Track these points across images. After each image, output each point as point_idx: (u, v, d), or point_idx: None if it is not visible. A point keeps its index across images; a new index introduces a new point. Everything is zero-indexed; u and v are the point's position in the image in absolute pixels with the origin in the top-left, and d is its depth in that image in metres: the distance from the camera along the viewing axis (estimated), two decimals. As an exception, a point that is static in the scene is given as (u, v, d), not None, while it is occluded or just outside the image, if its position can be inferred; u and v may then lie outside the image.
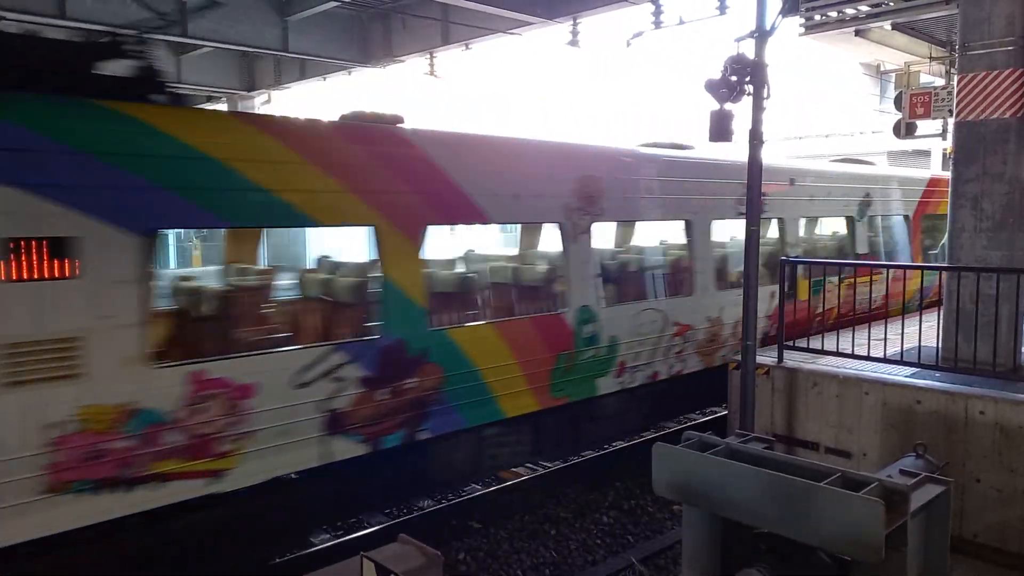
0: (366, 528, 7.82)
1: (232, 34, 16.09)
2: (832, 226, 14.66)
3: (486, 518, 8.33)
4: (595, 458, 9.95)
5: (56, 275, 5.21)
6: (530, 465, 9.67)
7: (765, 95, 7.83)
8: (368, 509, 8.15)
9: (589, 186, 8.80)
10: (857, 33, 15.56)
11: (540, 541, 7.92)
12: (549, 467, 9.62)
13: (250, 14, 16.09)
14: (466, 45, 16.80)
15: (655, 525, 8.40)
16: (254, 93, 21.46)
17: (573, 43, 15.53)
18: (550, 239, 10.08)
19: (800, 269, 10.56)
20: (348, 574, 3.99)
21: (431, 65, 17.96)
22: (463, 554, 7.58)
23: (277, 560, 7.16)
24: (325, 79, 20.17)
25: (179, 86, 19.56)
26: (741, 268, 8.72)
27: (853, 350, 8.03)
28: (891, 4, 12.88)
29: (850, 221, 12.84)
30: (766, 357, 8.28)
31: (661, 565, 7.39)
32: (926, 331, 7.80)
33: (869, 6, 13.05)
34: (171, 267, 19.22)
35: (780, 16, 7.81)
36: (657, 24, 13.23)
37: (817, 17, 13.73)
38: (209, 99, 22.79)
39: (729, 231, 11.67)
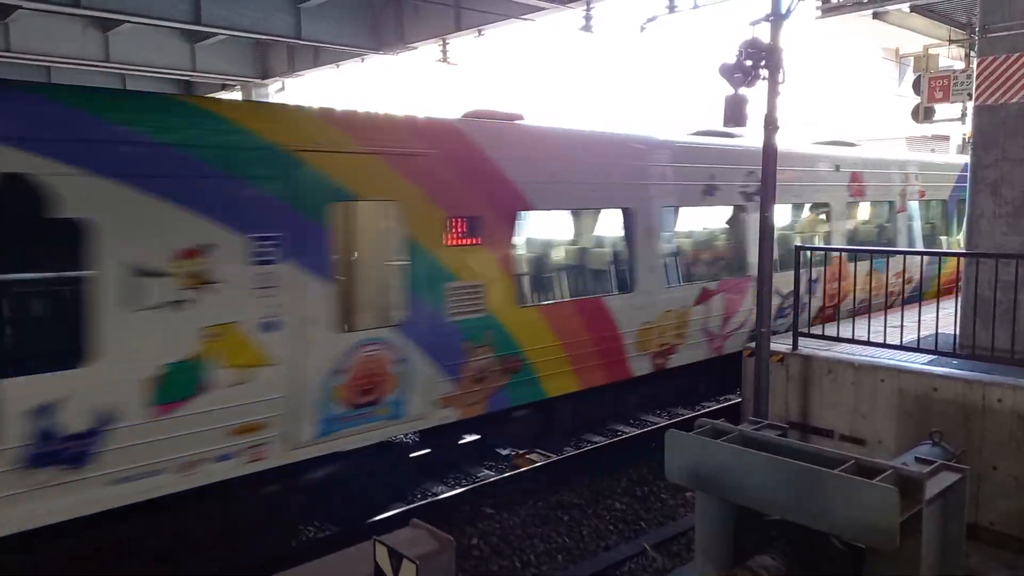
0: (380, 513, 7.88)
1: (245, 21, 16.07)
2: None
3: (499, 504, 8.36)
4: (608, 445, 9.97)
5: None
6: (543, 451, 9.69)
7: (780, 79, 7.75)
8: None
9: None
10: (875, 16, 15.34)
11: (553, 527, 7.95)
12: (562, 454, 9.64)
13: (263, 1, 16.08)
14: (479, 31, 16.69)
15: (668, 512, 8.40)
16: (268, 81, 21.49)
17: (586, 28, 15.39)
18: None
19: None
20: (361, 558, 4.02)
21: (443, 52, 17.88)
22: (476, 539, 7.62)
23: (292, 544, 7.24)
24: (338, 67, 20.15)
25: (193, 74, 19.64)
26: None
27: (869, 337, 7.96)
28: (910, -15, 12.68)
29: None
30: (781, 344, 8.23)
31: (674, 551, 7.40)
32: (943, 318, 7.72)
33: (887, -13, 12.85)
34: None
35: (796, -1, 7.71)
36: (671, 8, 13.10)
37: (834, -1, 13.54)
38: (224, 87, 22.86)
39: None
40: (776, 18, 7.69)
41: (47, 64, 17.62)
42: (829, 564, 4.35)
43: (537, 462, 9.37)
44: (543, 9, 15.05)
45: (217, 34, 17.16)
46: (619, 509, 8.40)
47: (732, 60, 7.69)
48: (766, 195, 7.82)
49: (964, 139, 22.19)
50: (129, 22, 15.57)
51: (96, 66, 17.75)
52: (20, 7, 14.10)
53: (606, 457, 9.67)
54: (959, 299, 7.78)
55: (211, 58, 19.70)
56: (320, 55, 19.72)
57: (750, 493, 4.50)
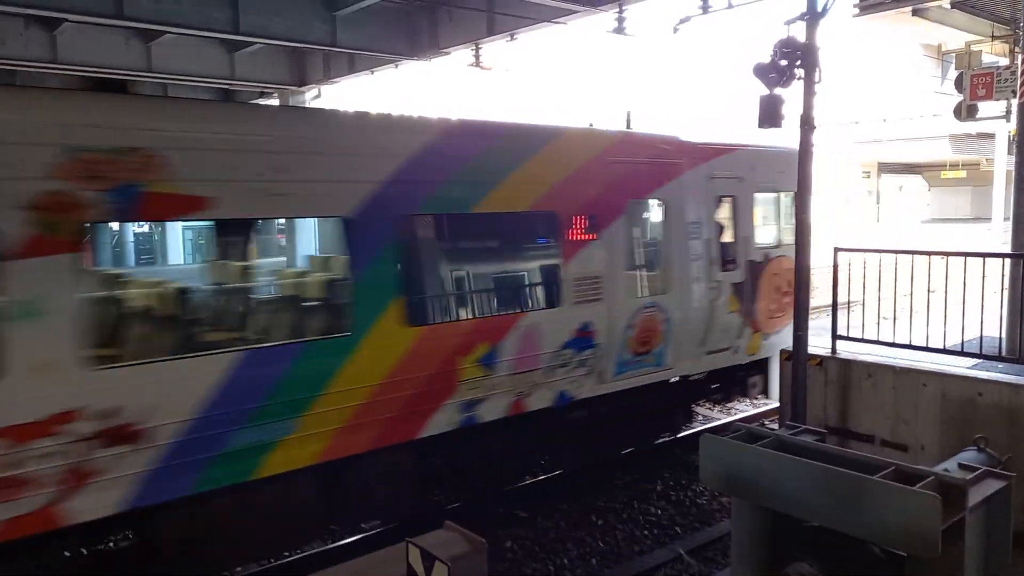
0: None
1: (282, 30, 16.33)
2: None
3: (533, 507, 8.36)
4: (643, 451, 9.90)
5: None
6: (577, 455, 9.65)
7: (816, 79, 7.64)
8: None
9: None
10: (915, 12, 15.05)
11: (587, 531, 7.92)
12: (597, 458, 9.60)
13: (299, 9, 16.33)
14: (511, 36, 16.72)
15: (704, 517, 8.31)
16: (304, 88, 21.79)
17: (619, 31, 15.33)
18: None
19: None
20: (394, 559, 4.05)
21: (476, 56, 17.96)
22: (509, 542, 7.62)
23: (329, 545, 7.32)
24: (373, 73, 20.36)
25: (232, 82, 20.01)
26: None
27: (910, 340, 7.79)
28: (951, -19, 12.41)
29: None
30: (819, 347, 8.09)
31: (709, 557, 7.32)
32: (988, 321, 7.51)
33: (928, -17, 12.60)
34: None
35: (833, -3, 7.60)
36: (705, 9, 12.98)
37: (873, -4, 13.31)
38: (262, 95, 23.26)
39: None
40: (812, 17, 7.59)
41: (93, 75, 18.09)
42: (869, 572, 4.26)
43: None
44: (575, 12, 15.03)
45: (255, 43, 17.47)
46: (654, 513, 8.33)
47: (766, 60, 7.62)
48: (802, 196, 7.72)
49: (1010, 137, 21.60)
50: (170, 32, 15.91)
51: (139, 76, 18.18)
52: (66, 19, 14.51)
53: (642, 461, 9.61)
54: (1005, 302, 7.57)
55: (249, 66, 20.04)
56: (355, 62, 19.93)
57: (787, 499, 4.44)
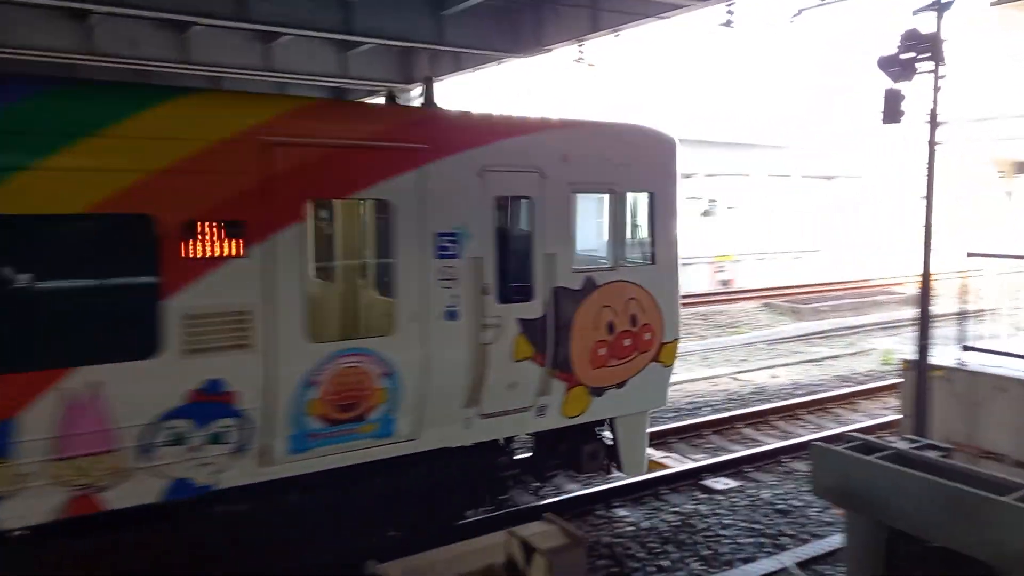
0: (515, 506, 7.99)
1: (391, 30, 16.86)
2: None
3: (634, 507, 8.29)
4: (750, 455, 9.64)
5: None
6: (678, 456, 9.51)
7: (942, 72, 7.20)
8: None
9: None
10: (1060, -2, 13.85)
11: (688, 534, 7.77)
12: (697, 460, 9.42)
13: (408, 9, 16.81)
14: (615, 32, 16.57)
15: (814, 529, 7.99)
16: (411, 86, 22.37)
17: (728, 24, 14.89)
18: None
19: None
20: (495, 548, 4.11)
21: (580, 53, 17.89)
22: (608, 539, 7.58)
23: (427, 532, 7.48)
24: (476, 70, 20.66)
25: (344, 80, 20.81)
26: None
27: (1047, 353, 7.23)
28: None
29: None
30: (946, 358, 7.63)
31: (820, 572, 7.03)
32: None
33: (1078, -34, 11.60)
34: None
35: (968, -16, 7.14)
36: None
37: (1012, -18, 12.37)
38: (371, 93, 24.06)
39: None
40: (940, 6, 7.16)
41: (218, 74, 19.19)
42: (998, 599, 3.99)
43: (673, 467, 9.19)
44: (683, 7, 14.72)
45: (366, 43, 18.09)
46: (761, 522, 8.08)
47: (890, 52, 7.25)
48: (929, 197, 7.30)
49: None
50: (288, 34, 16.70)
51: (259, 75, 19.16)
52: (196, 23, 15.48)
53: (747, 466, 9.36)
54: None
55: (360, 65, 20.77)
56: (461, 60, 20.30)
57: (906, 516, 4.22)
